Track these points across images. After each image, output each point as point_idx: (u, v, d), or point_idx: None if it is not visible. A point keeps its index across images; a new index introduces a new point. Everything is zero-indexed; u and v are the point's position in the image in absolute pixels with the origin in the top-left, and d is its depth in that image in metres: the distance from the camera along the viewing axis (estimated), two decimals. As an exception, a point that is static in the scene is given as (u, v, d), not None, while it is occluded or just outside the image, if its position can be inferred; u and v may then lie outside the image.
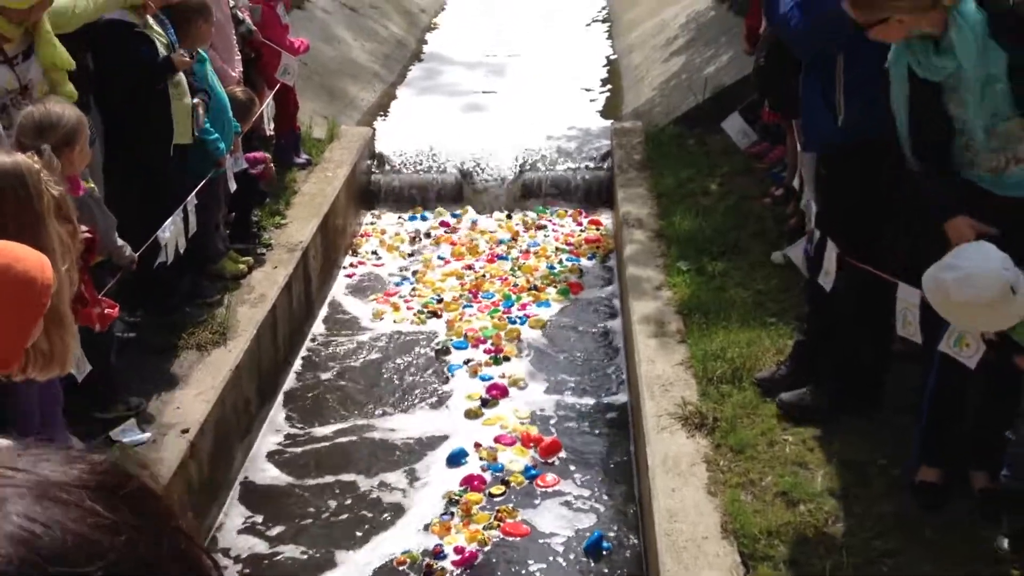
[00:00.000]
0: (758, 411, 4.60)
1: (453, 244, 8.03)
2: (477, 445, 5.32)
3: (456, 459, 5.20)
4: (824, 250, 4.39)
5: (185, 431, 4.55)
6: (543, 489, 4.96)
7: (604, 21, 14.55)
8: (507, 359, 6.23)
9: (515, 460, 5.21)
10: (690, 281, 5.96)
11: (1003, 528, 3.73)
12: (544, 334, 6.61)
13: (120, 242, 4.32)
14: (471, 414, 5.66)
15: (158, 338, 5.30)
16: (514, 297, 7.19)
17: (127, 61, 4.96)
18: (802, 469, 4.20)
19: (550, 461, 5.20)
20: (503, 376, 6.01)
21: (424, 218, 8.53)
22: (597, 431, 5.51)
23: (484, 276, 7.55)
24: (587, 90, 11.31)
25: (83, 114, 3.90)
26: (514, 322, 6.78)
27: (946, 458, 4.00)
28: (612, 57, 12.57)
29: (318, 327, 6.76)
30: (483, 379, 6.00)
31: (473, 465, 5.17)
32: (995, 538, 3.70)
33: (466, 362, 6.20)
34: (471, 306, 7.09)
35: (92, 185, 4.33)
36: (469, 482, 5.02)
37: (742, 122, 7.13)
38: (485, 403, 5.76)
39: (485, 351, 6.36)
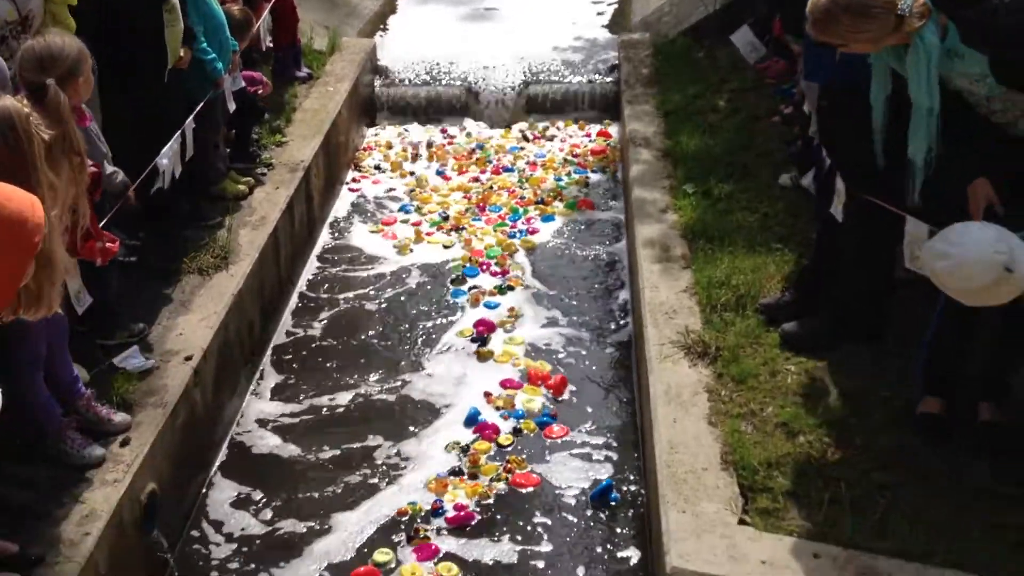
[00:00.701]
0: (761, 340, 4.59)
1: (456, 159, 7.94)
2: (487, 395, 5.17)
3: (472, 420, 4.98)
4: (834, 179, 4.33)
5: (188, 358, 4.55)
6: (552, 440, 4.87)
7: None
8: (511, 288, 6.15)
9: (531, 400, 5.13)
10: (696, 204, 5.89)
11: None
12: (550, 254, 6.57)
13: (110, 168, 4.26)
14: (481, 356, 5.50)
15: (160, 262, 5.27)
16: (520, 211, 7.15)
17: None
18: (803, 399, 4.20)
19: (560, 399, 5.16)
20: (510, 312, 5.87)
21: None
22: (603, 362, 5.48)
23: (492, 188, 7.49)
24: (595, -1, 11.04)
25: (83, 44, 3.79)
26: (515, 236, 6.78)
27: (949, 389, 3.99)
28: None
29: (321, 248, 6.73)
30: (488, 307, 5.97)
31: (488, 416, 5.03)
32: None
33: (470, 289, 6.15)
34: (479, 219, 7.06)
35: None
36: (482, 430, 4.91)
37: (752, 35, 6.98)
38: (474, 340, 5.62)
39: (491, 273, 6.32)
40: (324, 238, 6.87)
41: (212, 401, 4.73)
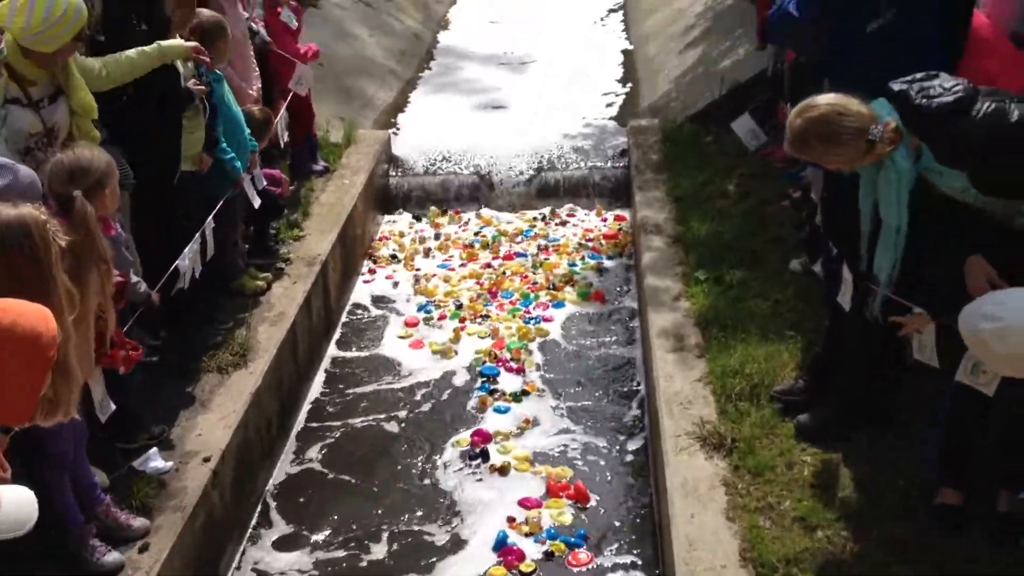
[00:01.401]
0: (776, 430, 4.60)
1: (465, 248, 8.04)
2: (511, 521, 4.91)
3: (500, 545, 4.75)
4: (841, 267, 4.39)
5: (207, 459, 4.60)
6: (576, 569, 4.63)
7: (619, 9, 14.43)
8: (527, 394, 6.01)
9: (561, 512, 4.95)
10: (708, 291, 5.95)
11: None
12: (564, 345, 6.59)
13: (135, 278, 4.36)
14: (501, 471, 5.29)
15: (179, 360, 5.34)
16: (532, 296, 7.22)
17: (148, 93, 4.98)
18: (820, 491, 4.20)
19: (587, 506, 5.02)
20: (525, 423, 5.69)
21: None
22: (621, 459, 5.40)
23: (504, 274, 7.58)
24: (603, 84, 11.23)
25: (111, 157, 3.93)
26: (530, 322, 6.83)
27: (966, 479, 3.99)
28: (628, 48, 12.47)
29: (337, 343, 6.78)
30: (497, 411, 5.84)
31: (515, 538, 4.80)
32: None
33: (491, 393, 6.03)
34: (490, 304, 7.13)
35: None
36: (506, 555, 4.68)
37: (752, 123, 7.09)
38: (474, 457, 5.41)
39: (508, 369, 6.28)
40: (340, 329, 6.94)
41: (231, 501, 4.76)
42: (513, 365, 6.32)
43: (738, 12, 10.34)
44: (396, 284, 7.52)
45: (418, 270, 7.73)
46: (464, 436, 5.62)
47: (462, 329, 6.80)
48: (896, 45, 4.12)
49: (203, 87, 5.26)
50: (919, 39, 4.13)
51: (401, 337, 6.78)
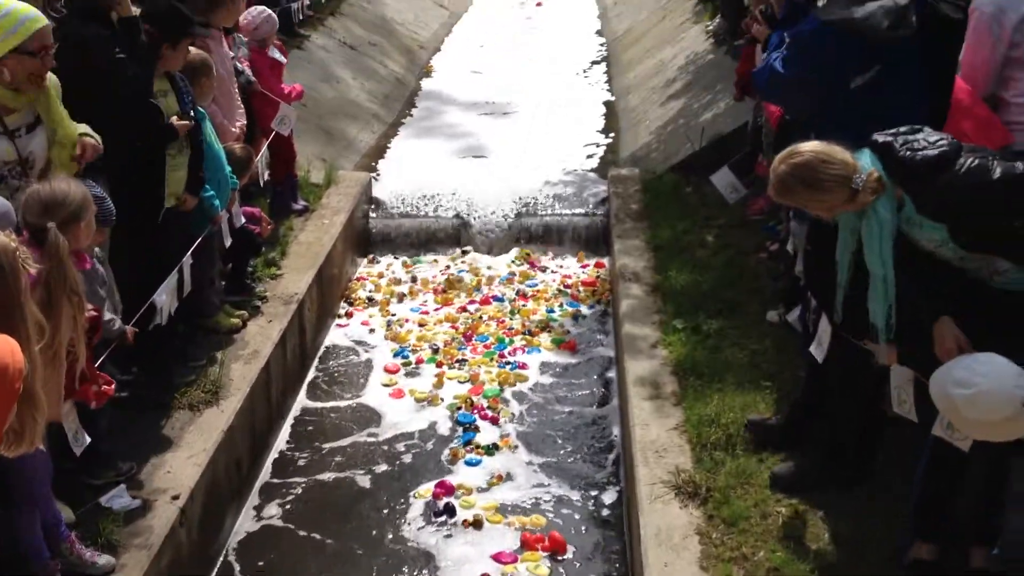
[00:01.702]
0: (752, 480, 4.58)
1: (439, 292, 8.01)
2: None
3: None
4: (819, 320, 4.41)
5: (175, 497, 4.52)
6: None
7: (602, 61, 14.59)
8: (497, 448, 5.89)
9: (537, 565, 4.89)
10: (685, 340, 5.95)
11: None
12: (539, 394, 6.54)
13: (108, 315, 4.31)
14: (474, 523, 5.20)
15: (151, 396, 5.27)
16: (507, 340, 7.20)
17: (133, 129, 4.98)
18: (794, 543, 4.18)
19: (563, 557, 4.96)
20: (496, 478, 5.58)
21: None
22: (595, 509, 5.37)
23: (481, 318, 7.56)
24: (585, 133, 11.30)
25: (88, 191, 3.90)
26: (505, 367, 6.79)
27: (941, 534, 3.98)
28: (610, 100, 12.58)
29: (311, 385, 6.70)
30: (468, 463, 5.75)
31: None
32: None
33: (466, 444, 5.94)
34: (464, 348, 7.10)
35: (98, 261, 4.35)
36: None
37: (732, 177, 7.13)
38: (439, 514, 5.28)
39: (482, 416, 6.23)
40: (314, 370, 6.88)
41: (198, 540, 4.67)
42: (489, 413, 6.25)
43: (719, 66, 10.49)
44: (372, 331, 7.42)
45: (393, 315, 7.66)
46: (427, 487, 5.52)
47: (442, 374, 6.74)
48: (880, 100, 4.18)
49: (188, 123, 5.25)
50: (903, 94, 4.20)
51: (385, 385, 6.65)
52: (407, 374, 6.82)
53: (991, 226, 3.43)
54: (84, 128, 4.43)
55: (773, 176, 3.70)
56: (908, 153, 3.52)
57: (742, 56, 7.94)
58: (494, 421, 6.18)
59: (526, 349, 7.10)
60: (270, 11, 7.72)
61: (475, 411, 6.29)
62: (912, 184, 3.51)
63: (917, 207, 3.50)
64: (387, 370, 6.85)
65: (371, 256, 8.72)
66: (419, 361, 6.95)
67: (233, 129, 6.53)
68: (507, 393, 6.53)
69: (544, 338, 7.25)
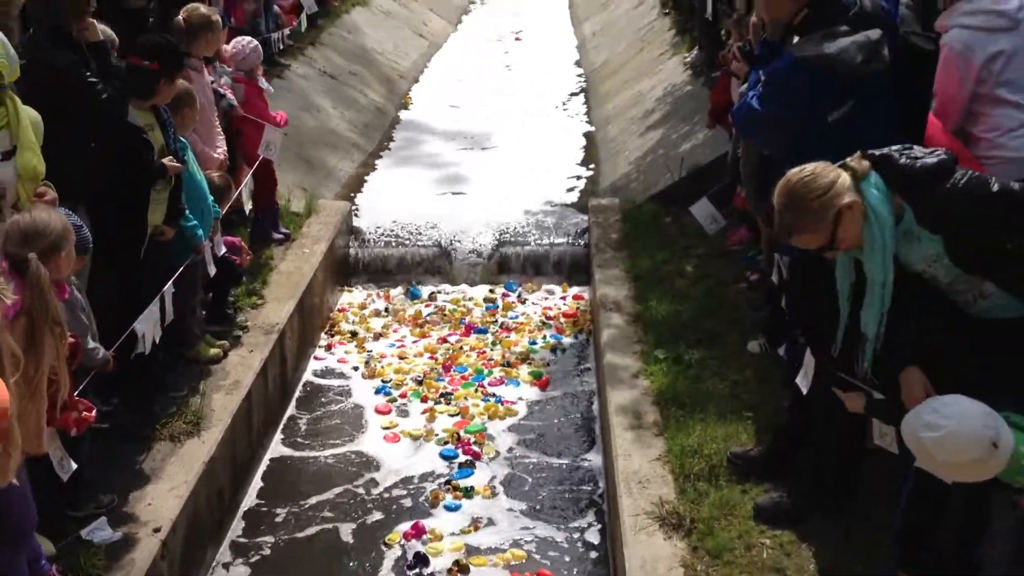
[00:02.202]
0: (736, 511, 4.59)
1: (417, 324, 7.99)
2: None
3: None
4: (804, 352, 4.44)
5: (157, 530, 4.49)
6: None
7: (580, 93, 14.68)
8: (475, 492, 5.76)
9: None
10: (667, 370, 5.98)
11: None
12: (521, 427, 6.51)
13: (91, 344, 4.29)
14: (458, 571, 5.09)
15: (132, 427, 5.24)
16: (486, 372, 7.19)
17: (114, 156, 4.98)
18: (779, 574, 4.19)
19: None
20: (474, 527, 5.45)
21: (415, 295, 8.48)
22: (578, 544, 5.34)
23: (461, 349, 7.55)
24: (564, 163, 11.34)
25: (68, 221, 3.89)
26: (488, 399, 6.77)
27: (923, 565, 4.00)
28: (589, 131, 12.66)
29: (290, 418, 6.63)
30: (447, 508, 5.63)
31: None
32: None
33: (447, 483, 5.85)
34: (442, 379, 7.08)
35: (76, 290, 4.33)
36: None
37: (711, 207, 7.20)
38: (412, 567, 5.12)
39: (465, 450, 6.17)
40: (295, 401, 6.84)
41: (179, 573, 4.63)
42: (475, 449, 6.19)
43: (697, 97, 10.60)
44: (356, 368, 7.32)
45: (370, 352, 7.56)
46: (397, 531, 5.43)
47: (432, 410, 6.67)
48: (854, 135, 4.24)
49: (179, 166, 5.28)
50: (876, 128, 4.25)
51: (385, 428, 6.49)
52: (399, 412, 6.71)
53: (987, 240, 3.46)
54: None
55: (775, 204, 3.67)
56: (908, 161, 3.54)
57: (717, 85, 8.04)
58: (476, 457, 6.13)
59: (504, 381, 7.09)
60: (256, 42, 7.77)
61: (460, 446, 6.25)
62: (912, 193, 3.52)
63: (917, 218, 3.51)
64: (378, 411, 6.71)
65: (349, 287, 8.71)
66: (403, 395, 6.89)
67: (215, 155, 6.53)
68: (493, 428, 6.46)
69: (523, 370, 7.24)
